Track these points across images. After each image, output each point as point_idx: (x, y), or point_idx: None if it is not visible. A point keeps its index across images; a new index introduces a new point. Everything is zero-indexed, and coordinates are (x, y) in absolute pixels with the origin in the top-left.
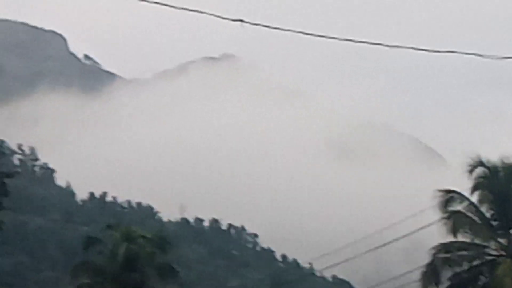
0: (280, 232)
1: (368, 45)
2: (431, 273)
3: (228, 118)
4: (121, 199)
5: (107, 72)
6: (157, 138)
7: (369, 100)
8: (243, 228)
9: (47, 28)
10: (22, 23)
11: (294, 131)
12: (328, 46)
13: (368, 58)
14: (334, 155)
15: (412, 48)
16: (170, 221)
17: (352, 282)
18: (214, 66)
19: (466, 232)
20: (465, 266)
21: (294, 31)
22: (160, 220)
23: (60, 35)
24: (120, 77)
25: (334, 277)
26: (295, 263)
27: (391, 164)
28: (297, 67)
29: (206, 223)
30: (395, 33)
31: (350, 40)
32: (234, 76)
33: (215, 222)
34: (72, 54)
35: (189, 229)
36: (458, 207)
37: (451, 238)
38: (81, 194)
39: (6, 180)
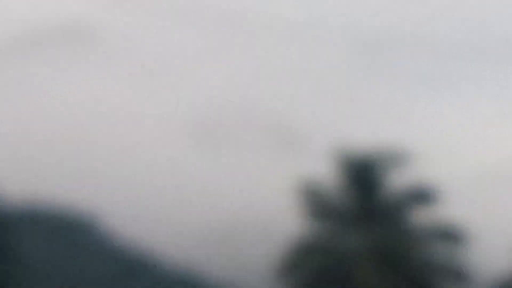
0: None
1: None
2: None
3: (73, 94)
4: None
5: None
6: None
7: (239, 81)
8: None
9: None
10: None
11: (151, 110)
12: (201, 18)
13: (241, 34)
14: (194, 138)
15: None
16: None
17: (205, 272)
18: (65, 36)
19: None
20: None
21: None
22: None
23: None
24: None
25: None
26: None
27: (253, 148)
28: (160, 40)
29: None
30: None
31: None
32: (87, 47)
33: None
34: None
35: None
36: (320, 193)
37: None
38: None
39: None
